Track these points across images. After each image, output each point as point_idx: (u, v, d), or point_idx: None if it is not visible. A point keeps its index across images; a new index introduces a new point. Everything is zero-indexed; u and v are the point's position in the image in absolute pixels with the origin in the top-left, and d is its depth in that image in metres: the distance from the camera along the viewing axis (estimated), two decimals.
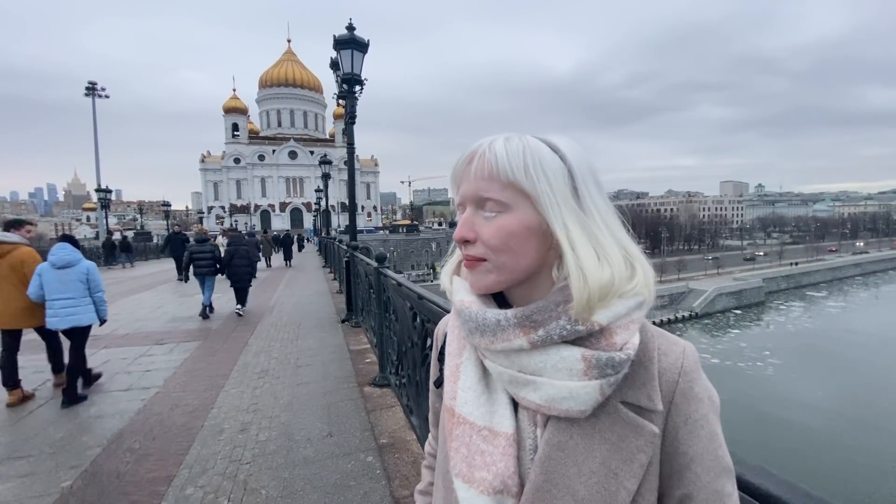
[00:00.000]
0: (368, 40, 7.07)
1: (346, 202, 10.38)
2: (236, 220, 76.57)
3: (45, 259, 4.32)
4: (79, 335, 4.30)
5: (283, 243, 20.20)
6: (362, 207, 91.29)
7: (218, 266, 8.48)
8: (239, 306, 8.38)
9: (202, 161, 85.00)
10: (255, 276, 8.97)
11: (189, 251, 8.54)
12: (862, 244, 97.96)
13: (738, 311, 46.66)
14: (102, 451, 3.20)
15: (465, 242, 0.60)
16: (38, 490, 2.73)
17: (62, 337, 4.43)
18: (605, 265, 0.54)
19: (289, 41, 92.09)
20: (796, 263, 67.11)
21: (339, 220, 72.37)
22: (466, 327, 0.60)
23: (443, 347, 0.72)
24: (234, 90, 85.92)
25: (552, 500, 0.53)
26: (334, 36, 6.91)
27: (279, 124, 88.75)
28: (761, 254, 77.78)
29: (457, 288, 0.66)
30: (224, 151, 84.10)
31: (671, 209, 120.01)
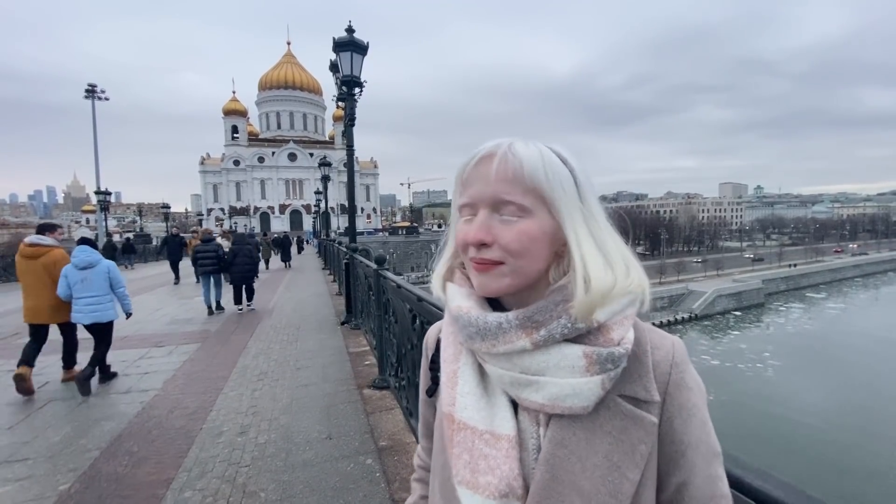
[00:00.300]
0: (368, 43, 7.09)
1: (346, 204, 10.47)
2: (235, 222, 76.55)
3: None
4: (102, 330, 4.67)
5: (282, 245, 20.27)
6: (362, 209, 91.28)
7: (222, 265, 8.94)
8: (240, 305, 8.88)
9: (202, 163, 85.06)
10: (257, 276, 9.48)
11: (194, 250, 9.13)
12: (856, 246, 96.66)
13: (737, 313, 46.65)
14: (101, 453, 3.19)
15: (482, 245, 0.58)
16: (35, 493, 2.71)
17: (78, 336, 4.79)
18: (609, 269, 0.57)
19: (288, 43, 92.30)
20: (795, 265, 67.16)
21: (339, 222, 72.31)
22: (465, 332, 0.60)
23: (434, 355, 0.72)
24: (234, 92, 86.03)
25: (558, 497, 0.53)
26: (334, 38, 6.92)
27: (279, 126, 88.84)
28: (750, 257, 77.36)
29: (452, 294, 0.65)
30: (224, 153, 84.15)
31: (670, 211, 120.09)
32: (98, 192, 28.44)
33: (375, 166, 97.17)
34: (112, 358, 4.97)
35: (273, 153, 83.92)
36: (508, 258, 0.58)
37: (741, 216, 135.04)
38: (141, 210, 74.20)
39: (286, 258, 20.01)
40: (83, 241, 4.79)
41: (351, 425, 3.61)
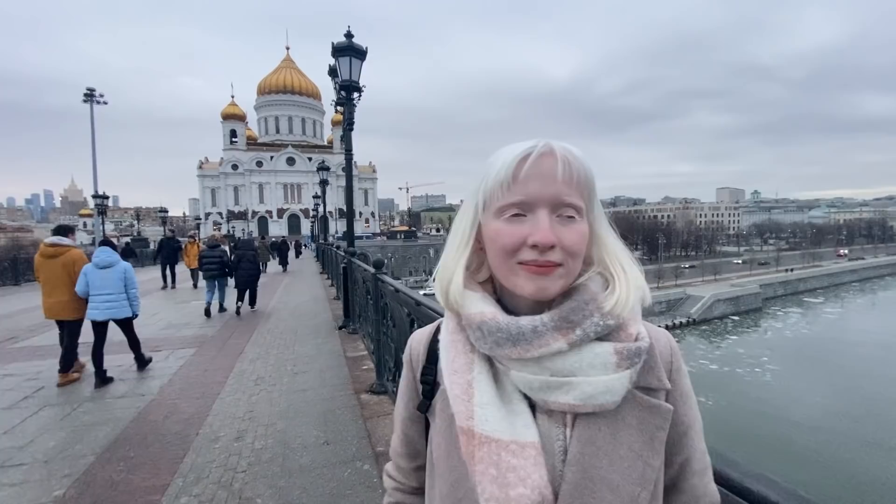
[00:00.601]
0: (366, 48, 7.12)
1: (344, 208, 10.50)
2: (233, 227, 76.53)
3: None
4: (123, 324, 5.07)
5: (280, 249, 20.36)
6: (360, 214, 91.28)
7: (227, 269, 9.31)
8: (239, 303, 9.10)
9: (200, 167, 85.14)
10: (258, 280, 9.77)
11: (201, 255, 9.50)
12: (846, 251, 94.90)
13: (735, 318, 46.72)
14: (96, 459, 3.16)
15: (547, 248, 0.56)
16: (30, 499, 2.69)
17: (71, 337, 5.00)
18: (633, 266, 0.62)
19: (287, 48, 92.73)
20: (791, 270, 67.37)
21: (337, 227, 72.31)
22: (491, 339, 0.58)
23: (426, 368, 0.69)
24: (233, 97, 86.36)
25: (590, 495, 0.53)
26: (332, 43, 6.96)
27: (277, 131, 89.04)
28: (739, 262, 76.66)
29: (471, 300, 0.62)
30: (222, 158, 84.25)
31: (668, 216, 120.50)
32: (96, 196, 28.38)
33: (374, 171, 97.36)
34: (108, 362, 4.96)
35: (271, 157, 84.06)
36: (568, 260, 0.57)
37: (738, 221, 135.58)
38: (138, 214, 74.10)
39: (284, 262, 20.12)
40: (105, 242, 5.16)
41: (348, 430, 3.59)
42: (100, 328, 4.87)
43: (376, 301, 4.45)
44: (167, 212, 42.12)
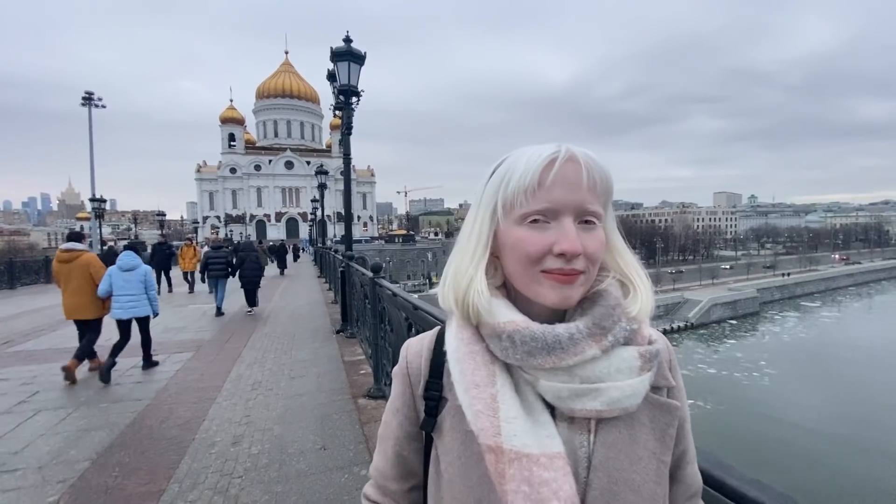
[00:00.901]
0: (365, 52, 7.16)
1: (343, 212, 10.62)
2: (231, 230, 76.36)
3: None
4: (141, 323, 5.44)
5: (278, 253, 20.41)
6: (358, 217, 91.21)
7: (230, 270, 9.85)
8: (251, 308, 9.60)
9: (198, 171, 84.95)
10: (260, 280, 10.19)
11: (205, 257, 10.07)
12: (837, 257, 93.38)
13: (733, 322, 46.81)
14: (91, 464, 3.14)
15: (573, 256, 0.55)
16: None
17: (86, 332, 5.35)
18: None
19: (286, 53, 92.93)
20: (788, 274, 67.57)
21: (336, 230, 72.26)
22: (524, 349, 0.56)
23: (430, 383, 0.64)
24: (231, 100, 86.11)
25: (616, 499, 0.54)
26: (331, 48, 6.99)
27: (276, 135, 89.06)
28: (728, 268, 76.14)
29: (499, 308, 0.59)
30: (220, 161, 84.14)
31: (666, 220, 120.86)
32: (93, 200, 28.30)
33: (372, 174, 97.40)
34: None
35: (270, 161, 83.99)
36: (589, 267, 0.57)
37: (735, 225, 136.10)
38: (136, 218, 73.98)
39: (282, 266, 20.19)
40: (128, 247, 5.58)
41: (345, 435, 3.58)
42: (125, 326, 5.27)
43: (374, 305, 4.44)
44: (165, 215, 42.12)
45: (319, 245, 26.41)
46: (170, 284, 13.59)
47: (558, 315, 0.60)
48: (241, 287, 9.73)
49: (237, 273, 9.77)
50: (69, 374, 4.87)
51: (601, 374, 0.55)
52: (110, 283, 5.19)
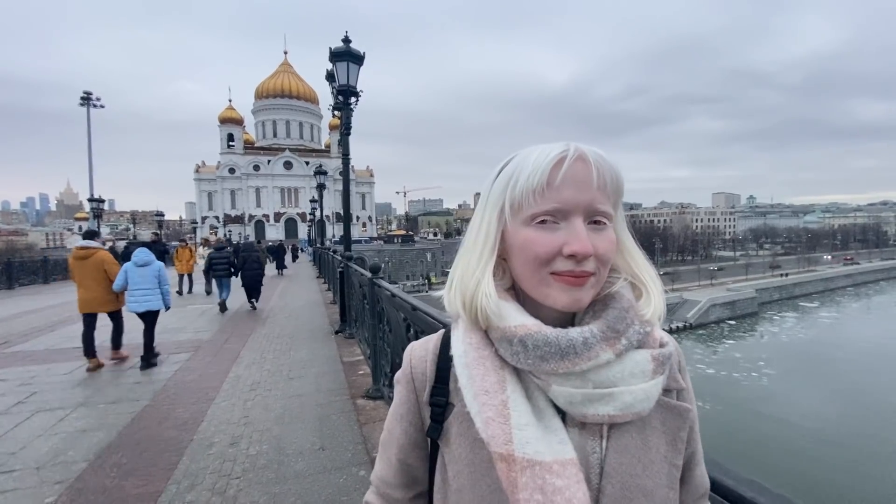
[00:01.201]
0: (364, 53, 7.15)
1: (342, 212, 10.60)
2: (230, 230, 76.23)
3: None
4: (151, 317, 5.61)
5: (276, 253, 20.43)
6: (357, 218, 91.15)
7: (233, 269, 10.16)
8: (253, 300, 10.11)
9: (197, 171, 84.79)
10: (262, 279, 10.57)
11: (209, 257, 10.35)
12: (829, 257, 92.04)
13: (732, 322, 46.81)
14: (88, 465, 3.13)
15: (584, 257, 0.54)
16: None
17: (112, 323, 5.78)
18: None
19: (285, 53, 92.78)
20: (786, 275, 67.62)
21: (334, 231, 72.20)
22: (536, 354, 0.54)
23: (437, 388, 0.62)
24: (230, 101, 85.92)
25: (628, 502, 0.53)
26: (330, 48, 6.99)
27: (275, 135, 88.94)
28: (714, 268, 75.03)
29: (509, 311, 0.58)
30: (219, 161, 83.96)
31: (664, 220, 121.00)
32: (91, 200, 28.24)
33: (371, 175, 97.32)
34: (109, 363, 5.05)
35: (269, 161, 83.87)
36: (600, 268, 0.56)
37: (734, 226, 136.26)
38: (134, 218, 73.85)
39: (280, 266, 20.20)
40: (143, 244, 5.89)
41: (344, 436, 3.57)
42: (146, 317, 5.56)
43: (373, 306, 4.43)
44: (163, 215, 42.00)
45: (318, 245, 26.41)
46: None
47: (567, 318, 0.59)
48: (243, 286, 10.05)
49: (239, 273, 10.09)
50: (121, 361, 5.62)
51: (614, 378, 0.54)
52: (126, 277, 5.46)
